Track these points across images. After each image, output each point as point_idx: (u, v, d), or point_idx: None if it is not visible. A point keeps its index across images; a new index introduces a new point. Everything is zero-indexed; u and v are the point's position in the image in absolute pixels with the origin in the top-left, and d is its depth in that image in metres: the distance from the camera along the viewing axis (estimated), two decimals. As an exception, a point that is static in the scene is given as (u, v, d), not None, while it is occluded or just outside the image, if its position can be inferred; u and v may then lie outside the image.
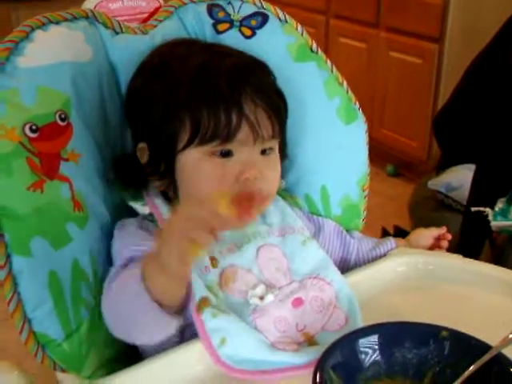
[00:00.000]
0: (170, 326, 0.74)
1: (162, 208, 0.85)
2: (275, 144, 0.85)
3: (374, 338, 0.73)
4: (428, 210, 2.49)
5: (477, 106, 2.08)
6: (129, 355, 0.85)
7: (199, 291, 0.79)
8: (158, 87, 0.82)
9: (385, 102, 3.21)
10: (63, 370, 0.79)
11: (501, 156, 1.90)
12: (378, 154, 3.30)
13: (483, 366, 0.69)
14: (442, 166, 2.39)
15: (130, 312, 0.73)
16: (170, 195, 0.86)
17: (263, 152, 0.83)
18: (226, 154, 0.80)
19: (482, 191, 1.98)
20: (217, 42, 0.92)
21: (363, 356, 0.72)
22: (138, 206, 0.86)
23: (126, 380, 0.74)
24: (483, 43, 2.14)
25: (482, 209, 1.87)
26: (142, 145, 0.85)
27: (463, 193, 2.14)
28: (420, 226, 1.07)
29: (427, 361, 0.73)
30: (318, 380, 0.66)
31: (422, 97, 2.98)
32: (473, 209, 1.89)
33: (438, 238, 1.02)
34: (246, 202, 0.72)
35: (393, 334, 0.74)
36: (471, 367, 0.69)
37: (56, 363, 0.78)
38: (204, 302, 0.78)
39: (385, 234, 2.37)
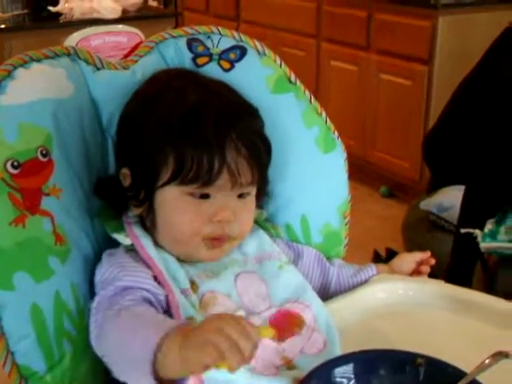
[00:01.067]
0: None
1: (142, 239, 0.86)
2: (253, 189, 0.88)
3: (350, 367, 0.74)
4: (421, 231, 2.50)
5: (465, 128, 2.10)
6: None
7: (186, 310, 0.80)
8: (150, 118, 0.84)
9: (376, 123, 3.24)
10: (46, 403, 0.80)
11: (489, 177, 1.91)
12: (371, 175, 3.32)
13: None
14: (433, 187, 2.40)
15: (124, 360, 0.72)
16: (148, 224, 0.87)
17: (240, 195, 0.85)
18: (204, 197, 0.82)
19: (472, 213, 1.99)
20: (213, 77, 0.92)
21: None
22: (120, 237, 0.87)
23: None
24: (472, 64, 2.16)
25: (471, 230, 1.88)
26: (125, 170, 0.87)
27: (455, 213, 2.15)
28: (413, 248, 1.08)
29: (404, 387, 0.74)
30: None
31: (413, 118, 3.01)
32: (462, 230, 1.90)
33: (421, 263, 1.03)
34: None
35: (368, 361, 0.75)
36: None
37: (39, 396, 0.79)
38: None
39: (376, 256, 2.39)
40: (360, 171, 3.29)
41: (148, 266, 0.84)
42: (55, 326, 0.79)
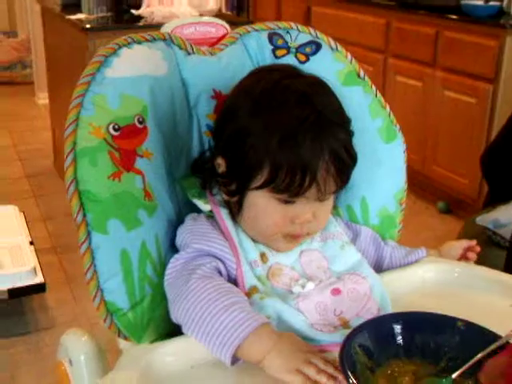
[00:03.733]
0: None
1: (221, 209, 0.96)
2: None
3: (398, 323, 0.83)
4: (476, 245, 2.53)
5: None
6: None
7: (249, 280, 0.91)
8: (253, 124, 0.89)
9: (438, 139, 3.29)
10: (126, 338, 0.92)
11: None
12: (430, 190, 3.37)
13: (493, 353, 0.78)
14: (490, 202, 2.44)
15: (203, 331, 0.82)
16: (234, 210, 0.96)
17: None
18: (290, 202, 0.91)
19: (527, 226, 2.03)
20: (316, 79, 0.95)
21: (387, 337, 0.82)
22: (199, 203, 0.98)
23: (179, 344, 0.86)
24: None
25: (525, 241, 1.93)
26: (220, 160, 0.95)
27: (511, 230, 2.18)
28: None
29: (443, 347, 0.82)
30: (344, 352, 0.76)
31: (475, 136, 3.05)
32: (516, 240, 1.95)
33: (468, 250, 1.11)
34: None
35: (414, 321, 0.84)
36: (481, 353, 0.78)
37: (120, 331, 0.91)
38: (253, 290, 0.91)
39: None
40: (419, 185, 3.34)
41: (223, 236, 0.94)
42: (139, 270, 0.91)
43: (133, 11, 3.12)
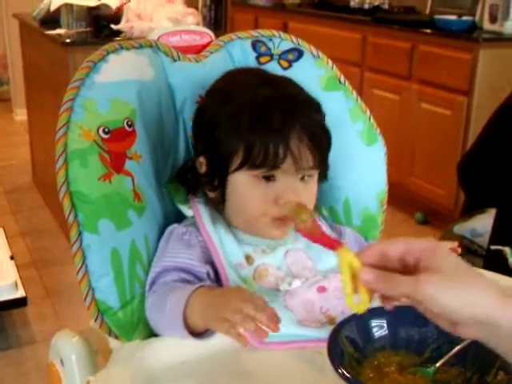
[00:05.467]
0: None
1: (203, 214, 0.99)
2: (315, 172, 0.99)
3: (383, 317, 0.86)
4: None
5: (500, 151, 2.19)
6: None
7: (234, 282, 0.93)
8: (223, 112, 0.94)
9: (414, 151, 3.34)
10: (116, 337, 0.93)
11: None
12: (407, 201, 3.41)
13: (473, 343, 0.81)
14: (467, 210, 2.49)
15: (165, 327, 0.89)
16: (220, 207, 1.00)
17: (303, 178, 0.96)
18: (270, 178, 0.94)
19: (502, 232, 2.07)
20: (280, 75, 1.03)
21: (373, 331, 0.85)
22: (184, 208, 1.02)
23: (168, 340, 0.88)
24: (510, 97, 2.26)
25: (500, 247, 1.97)
26: (201, 159, 0.99)
27: (487, 239, 2.23)
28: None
29: (427, 338, 0.85)
30: (333, 343, 0.79)
31: (451, 147, 3.10)
32: (492, 247, 1.99)
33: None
34: None
35: (399, 314, 0.86)
36: (463, 343, 0.81)
37: (111, 330, 0.92)
38: None
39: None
40: (396, 197, 3.38)
41: (204, 242, 0.97)
42: (129, 270, 0.93)
43: (112, 26, 3.14)
